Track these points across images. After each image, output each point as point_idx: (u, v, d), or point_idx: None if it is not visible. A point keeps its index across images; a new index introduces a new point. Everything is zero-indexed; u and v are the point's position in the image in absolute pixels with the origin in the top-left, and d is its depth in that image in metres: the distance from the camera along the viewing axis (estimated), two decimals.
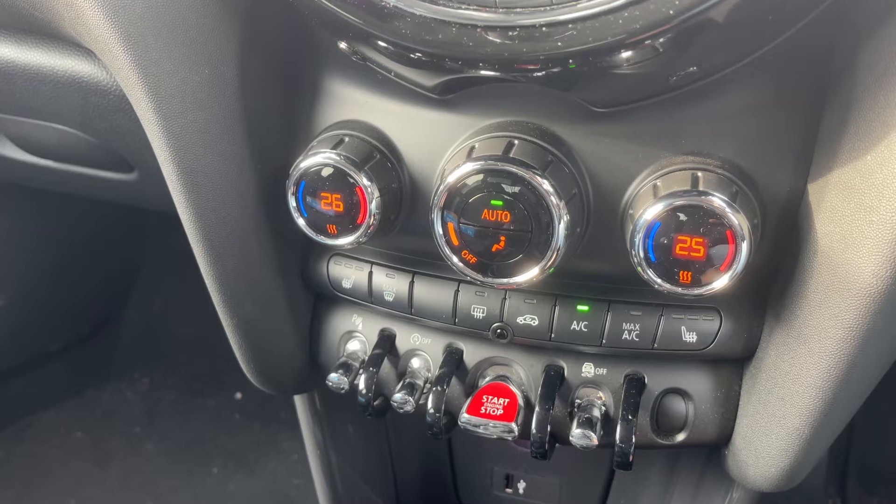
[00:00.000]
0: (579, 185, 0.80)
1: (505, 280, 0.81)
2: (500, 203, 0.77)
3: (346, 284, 1.01)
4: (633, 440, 0.88)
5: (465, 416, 0.93)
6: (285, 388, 1.17)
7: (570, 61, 0.69)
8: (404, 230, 0.90)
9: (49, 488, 2.24)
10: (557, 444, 0.95)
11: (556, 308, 0.90)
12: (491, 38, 0.70)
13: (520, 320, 0.92)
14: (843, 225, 0.73)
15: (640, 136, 0.79)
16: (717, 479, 1.16)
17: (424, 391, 0.99)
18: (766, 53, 0.72)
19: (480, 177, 0.77)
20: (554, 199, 0.75)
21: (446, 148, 0.85)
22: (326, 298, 1.08)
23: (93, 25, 0.86)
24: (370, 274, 0.99)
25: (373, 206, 0.84)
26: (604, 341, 0.90)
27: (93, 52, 0.96)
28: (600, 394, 0.94)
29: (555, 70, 0.71)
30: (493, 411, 0.93)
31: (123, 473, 2.30)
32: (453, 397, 0.99)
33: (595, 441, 0.90)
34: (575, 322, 0.90)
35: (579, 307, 0.90)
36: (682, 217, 0.73)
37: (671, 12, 0.64)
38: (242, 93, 0.89)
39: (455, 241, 0.80)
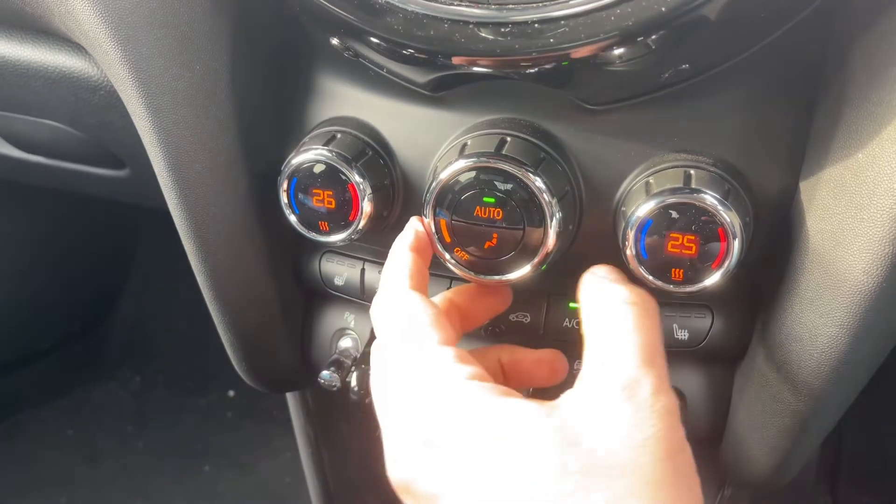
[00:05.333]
0: (571, 182, 0.80)
1: (497, 277, 0.80)
2: (492, 200, 0.77)
3: (339, 281, 1.00)
4: None
5: None
6: (277, 385, 1.16)
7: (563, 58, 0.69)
8: (397, 227, 0.90)
9: (40, 486, 2.23)
10: None
11: (548, 305, 0.90)
12: (483, 34, 0.69)
13: (511, 317, 0.92)
14: (835, 223, 0.73)
15: (632, 134, 0.79)
16: (709, 476, 1.15)
17: None
18: (760, 51, 0.72)
19: (473, 174, 0.76)
20: (546, 197, 0.75)
21: (439, 145, 0.85)
22: (318, 296, 1.07)
23: (83, 20, 0.85)
24: (363, 271, 0.98)
25: (365, 203, 0.84)
26: None
27: (83, 47, 0.95)
28: None
29: (547, 67, 0.71)
30: None
31: (114, 472, 2.30)
32: None
33: None
34: (566, 319, 0.90)
35: (571, 305, 0.90)
36: (675, 214, 0.73)
37: (663, 9, 0.64)
38: (234, 89, 0.88)
39: (447, 238, 0.80)
